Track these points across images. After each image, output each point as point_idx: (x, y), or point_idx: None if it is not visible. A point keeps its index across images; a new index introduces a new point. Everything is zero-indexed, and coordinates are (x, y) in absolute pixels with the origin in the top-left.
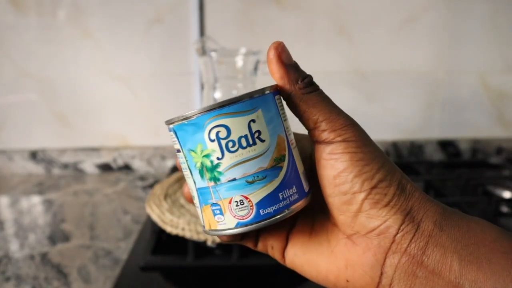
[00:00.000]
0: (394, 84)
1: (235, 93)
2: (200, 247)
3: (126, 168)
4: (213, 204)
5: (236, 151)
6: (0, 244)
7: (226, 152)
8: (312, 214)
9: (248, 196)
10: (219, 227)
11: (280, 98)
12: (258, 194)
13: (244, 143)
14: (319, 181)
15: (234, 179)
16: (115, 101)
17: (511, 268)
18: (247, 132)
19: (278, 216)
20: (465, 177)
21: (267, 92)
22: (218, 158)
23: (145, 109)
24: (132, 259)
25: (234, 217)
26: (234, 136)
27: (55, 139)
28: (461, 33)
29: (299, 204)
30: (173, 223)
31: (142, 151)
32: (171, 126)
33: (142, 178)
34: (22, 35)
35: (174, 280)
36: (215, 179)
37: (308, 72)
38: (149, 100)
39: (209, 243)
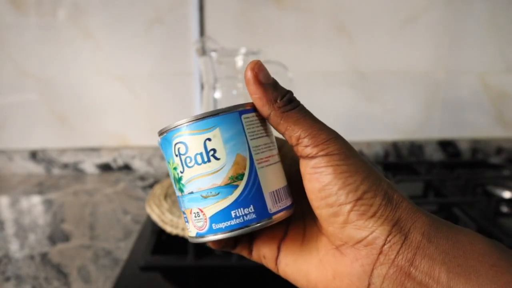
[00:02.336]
0: (394, 84)
1: (235, 93)
2: (200, 247)
3: (126, 168)
4: (183, 212)
5: (192, 166)
6: (0, 244)
7: (185, 167)
8: (304, 223)
9: (203, 210)
10: (187, 234)
11: (254, 117)
12: (211, 208)
13: (199, 160)
14: (306, 195)
15: (192, 192)
16: (115, 101)
17: (499, 281)
18: (202, 150)
19: (230, 233)
20: (465, 177)
21: (233, 110)
22: (180, 172)
23: (145, 109)
24: (132, 259)
25: (194, 227)
26: (191, 153)
27: (55, 139)
28: (461, 33)
29: (255, 225)
30: (173, 223)
31: (142, 151)
32: (159, 138)
33: (142, 178)
34: (22, 35)
35: (174, 280)
36: (181, 190)
37: (308, 72)
38: (149, 100)
39: None
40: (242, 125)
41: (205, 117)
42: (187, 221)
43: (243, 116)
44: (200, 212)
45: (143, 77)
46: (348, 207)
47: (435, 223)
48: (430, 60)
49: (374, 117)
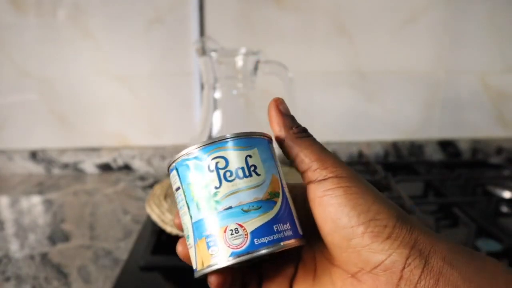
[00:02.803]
0: (394, 84)
1: (235, 93)
2: None
3: (126, 168)
4: (207, 236)
5: (233, 180)
6: (0, 244)
7: (223, 181)
8: (314, 258)
9: (243, 224)
10: (212, 261)
11: (273, 149)
12: (253, 223)
13: (241, 174)
14: (316, 223)
15: (230, 207)
16: (115, 101)
17: None
18: (244, 164)
19: (272, 248)
20: (465, 177)
21: (263, 137)
22: (215, 187)
23: (145, 109)
24: (132, 259)
25: (228, 246)
26: (231, 167)
27: (55, 139)
28: (461, 33)
29: (293, 242)
30: (173, 223)
31: (142, 151)
32: (172, 165)
33: (142, 178)
34: (22, 35)
35: (174, 280)
36: (212, 208)
37: (308, 72)
38: (149, 100)
39: None
40: (271, 151)
41: (246, 136)
42: (215, 244)
43: (270, 145)
44: (239, 228)
45: (143, 77)
46: (361, 228)
47: (454, 247)
48: (430, 60)
49: (374, 117)
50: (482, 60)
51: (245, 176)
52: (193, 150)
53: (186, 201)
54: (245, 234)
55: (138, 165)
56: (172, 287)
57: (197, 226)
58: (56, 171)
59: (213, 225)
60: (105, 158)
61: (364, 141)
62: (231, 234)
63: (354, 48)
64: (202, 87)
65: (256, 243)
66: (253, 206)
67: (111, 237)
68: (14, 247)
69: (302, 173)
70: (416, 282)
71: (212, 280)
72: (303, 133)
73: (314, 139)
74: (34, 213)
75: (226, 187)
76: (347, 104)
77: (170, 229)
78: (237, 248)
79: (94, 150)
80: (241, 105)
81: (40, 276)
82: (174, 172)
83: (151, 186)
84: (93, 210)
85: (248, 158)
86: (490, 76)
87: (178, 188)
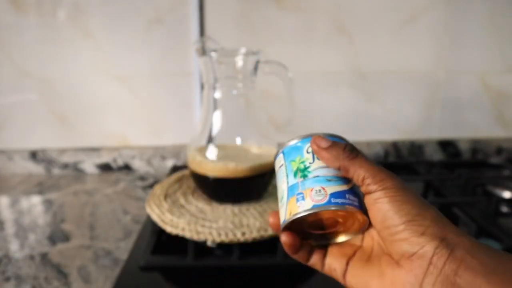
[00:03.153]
0: (394, 84)
1: (235, 93)
2: (200, 247)
3: (126, 168)
4: (298, 193)
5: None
6: (0, 244)
7: (315, 160)
8: (371, 248)
9: (325, 188)
10: (299, 210)
11: None
12: (332, 188)
13: None
14: (372, 223)
15: (318, 176)
16: (115, 101)
17: None
18: None
19: (343, 206)
20: (465, 177)
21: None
22: (310, 163)
23: (145, 109)
24: (132, 259)
25: (312, 200)
26: None
27: (55, 139)
28: (461, 33)
29: (356, 210)
30: (173, 223)
31: (142, 151)
32: (279, 151)
33: (142, 178)
34: (22, 35)
35: (174, 280)
36: (305, 176)
37: (308, 72)
38: (149, 100)
39: (209, 243)
40: None
41: (329, 135)
42: (303, 199)
43: None
44: (322, 190)
45: (143, 77)
46: (402, 227)
47: (478, 245)
48: (430, 60)
49: (374, 117)
50: (482, 60)
51: None
52: (295, 141)
53: (286, 173)
54: (326, 194)
55: (138, 165)
56: (172, 287)
57: (292, 188)
58: (56, 171)
59: (305, 186)
60: (105, 158)
61: (364, 141)
62: (316, 193)
63: (354, 48)
64: (202, 87)
65: (332, 201)
66: (334, 178)
67: (111, 237)
68: (14, 247)
69: (359, 187)
70: (441, 267)
71: (284, 239)
72: (352, 153)
73: (362, 155)
74: (34, 213)
75: (317, 163)
76: (347, 104)
77: (170, 229)
78: (318, 202)
79: (94, 150)
80: (241, 105)
81: (40, 276)
82: (281, 155)
83: (151, 186)
84: (93, 210)
85: None
86: (490, 76)
87: (281, 166)
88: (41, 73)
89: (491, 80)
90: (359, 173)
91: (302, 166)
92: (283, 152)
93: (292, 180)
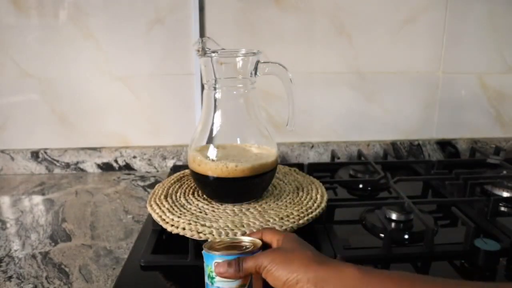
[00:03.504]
0: (394, 84)
1: (235, 93)
2: (200, 246)
3: (127, 167)
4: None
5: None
6: (2, 243)
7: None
8: None
9: None
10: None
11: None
12: None
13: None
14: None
15: (219, 287)
16: (116, 101)
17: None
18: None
19: None
20: (464, 177)
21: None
22: (215, 275)
23: (146, 109)
24: (133, 258)
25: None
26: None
27: (57, 139)
28: (460, 33)
29: None
30: (174, 223)
31: (143, 151)
32: (204, 247)
33: (143, 177)
34: (23, 36)
35: (174, 279)
36: (212, 282)
37: (308, 72)
38: (150, 100)
39: None
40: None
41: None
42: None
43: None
44: None
45: (144, 78)
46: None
47: (347, 279)
48: (429, 61)
49: (373, 117)
50: (481, 61)
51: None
52: (209, 250)
53: (204, 267)
54: None
55: (139, 165)
56: (173, 286)
57: (206, 285)
58: (57, 171)
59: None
60: (106, 158)
61: (364, 141)
62: None
63: (354, 48)
64: (202, 87)
65: None
66: (232, 283)
67: (112, 237)
68: (16, 246)
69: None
70: None
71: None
72: (243, 265)
73: (252, 258)
74: (36, 212)
75: (219, 278)
76: (347, 104)
77: (171, 228)
78: None
79: (95, 150)
80: (241, 105)
81: (42, 275)
82: (203, 252)
83: (152, 185)
84: (94, 210)
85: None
86: (489, 76)
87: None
88: (42, 73)
89: (489, 81)
90: (255, 266)
91: (211, 274)
92: (203, 252)
93: (206, 278)
